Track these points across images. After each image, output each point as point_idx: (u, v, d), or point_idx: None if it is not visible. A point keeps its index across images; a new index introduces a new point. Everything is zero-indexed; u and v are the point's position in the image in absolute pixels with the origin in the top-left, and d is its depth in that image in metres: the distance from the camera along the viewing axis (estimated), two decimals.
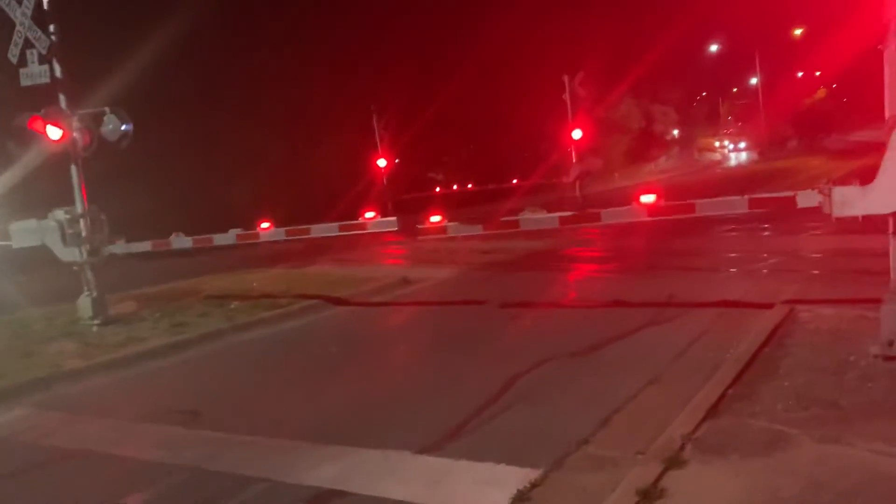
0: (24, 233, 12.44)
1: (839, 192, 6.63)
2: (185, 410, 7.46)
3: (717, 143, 77.78)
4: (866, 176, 6.60)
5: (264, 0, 38.61)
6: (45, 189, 13.00)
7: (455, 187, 46.80)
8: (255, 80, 35.86)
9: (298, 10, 40.47)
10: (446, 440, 5.95)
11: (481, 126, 49.98)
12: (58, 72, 11.69)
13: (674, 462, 4.93)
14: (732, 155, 73.95)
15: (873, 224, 6.83)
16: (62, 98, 11.74)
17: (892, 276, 6.74)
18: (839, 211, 6.64)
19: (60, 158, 11.90)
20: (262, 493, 5.32)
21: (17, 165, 11.93)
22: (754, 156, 68.30)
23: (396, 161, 33.57)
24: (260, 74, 36.10)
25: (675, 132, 73.20)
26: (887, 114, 6.46)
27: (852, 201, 6.57)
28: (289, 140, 36.51)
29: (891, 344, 6.54)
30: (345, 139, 35.61)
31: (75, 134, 11.76)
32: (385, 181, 31.73)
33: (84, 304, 12.05)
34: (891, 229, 6.71)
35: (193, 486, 5.54)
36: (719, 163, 70.39)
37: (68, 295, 12.68)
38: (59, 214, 12.02)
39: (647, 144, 67.85)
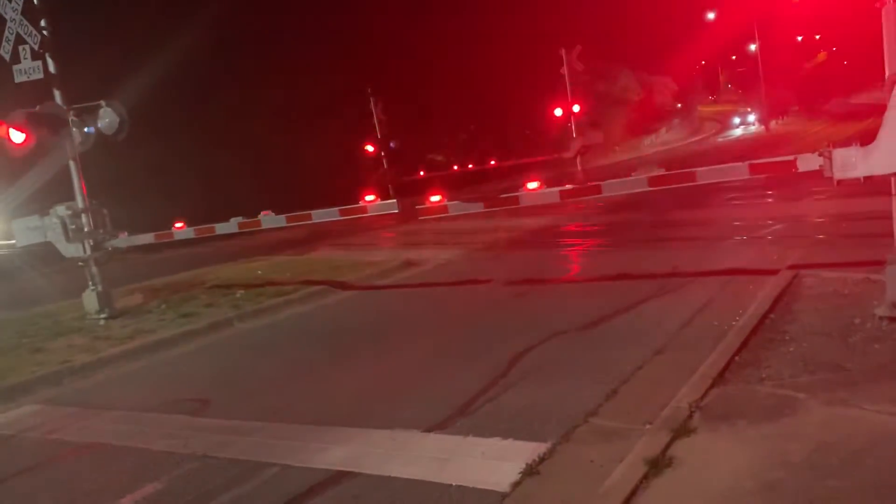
0: (27, 230, 12.46)
1: (840, 155, 6.58)
2: (195, 399, 7.51)
3: (736, 119, 75.79)
4: (867, 138, 6.54)
5: None
6: (45, 185, 13.02)
7: (456, 168, 46.71)
8: (252, 69, 35.68)
9: None
10: (454, 418, 5.97)
11: (480, 105, 49.80)
12: (51, 67, 11.65)
13: (682, 431, 4.94)
14: (735, 124, 72.92)
15: (875, 186, 6.79)
16: (57, 93, 11.71)
17: (895, 237, 6.70)
18: (841, 173, 6.60)
19: (58, 153, 11.89)
20: (273, 477, 5.35)
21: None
22: (756, 124, 67.84)
23: (393, 145, 33.46)
24: (256, 63, 35.92)
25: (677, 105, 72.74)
26: (887, 72, 6.40)
27: (854, 163, 6.52)
28: (287, 128, 36.41)
29: (895, 306, 6.52)
30: (343, 124, 35.51)
31: (72, 129, 11.74)
32: (384, 164, 31.65)
33: (89, 298, 12.09)
34: (893, 190, 6.67)
35: (205, 475, 5.57)
36: (720, 132, 69.91)
37: (73, 290, 12.73)
38: (61, 210, 12.03)
39: (646, 116, 67.58)
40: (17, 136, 11.08)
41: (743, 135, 63.70)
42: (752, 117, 71.57)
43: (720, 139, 63.25)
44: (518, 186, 10.37)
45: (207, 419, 6.88)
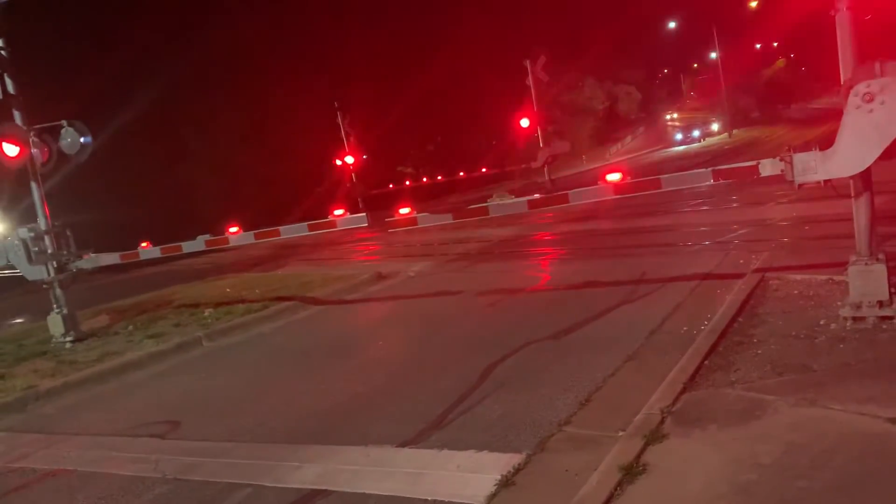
0: None
1: (800, 159, 6.69)
2: (165, 421, 7.38)
3: (678, 135, 73.12)
4: (826, 142, 6.67)
5: (225, 3, 38.10)
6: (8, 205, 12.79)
7: (425, 180, 46.79)
8: (218, 85, 35.46)
9: (260, 10, 40.15)
10: (427, 432, 5.94)
11: (447, 117, 50.00)
12: (10, 87, 11.44)
13: (654, 437, 4.97)
14: (677, 140, 71.66)
15: (835, 189, 6.92)
16: (17, 114, 11.51)
17: (857, 238, 6.84)
18: (801, 177, 6.71)
19: (19, 175, 11.70)
20: (246, 498, 5.27)
21: None
22: (719, 131, 68.38)
23: (364, 157, 33.44)
24: (223, 79, 35.71)
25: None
26: (842, 78, 6.54)
27: (813, 167, 6.63)
28: (254, 143, 36.21)
29: (859, 306, 6.64)
30: (310, 139, 35.42)
31: (33, 150, 11.54)
32: (353, 178, 31.57)
33: (54, 321, 11.85)
34: (853, 192, 6.81)
35: (176, 498, 5.47)
36: (684, 140, 70.42)
37: (37, 313, 12.47)
38: (23, 232, 11.79)
39: (612, 125, 68.33)
40: (11, 150, 10.94)
41: (708, 142, 63.15)
42: (696, 132, 69.72)
43: (684, 147, 63.02)
44: (487, 197, 10.42)
45: (178, 441, 6.77)
